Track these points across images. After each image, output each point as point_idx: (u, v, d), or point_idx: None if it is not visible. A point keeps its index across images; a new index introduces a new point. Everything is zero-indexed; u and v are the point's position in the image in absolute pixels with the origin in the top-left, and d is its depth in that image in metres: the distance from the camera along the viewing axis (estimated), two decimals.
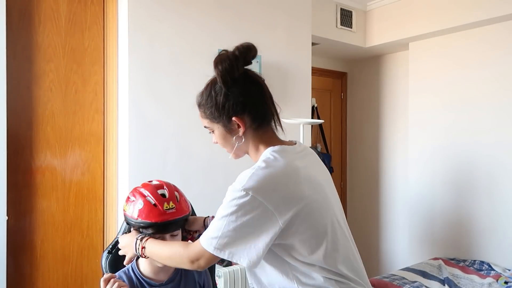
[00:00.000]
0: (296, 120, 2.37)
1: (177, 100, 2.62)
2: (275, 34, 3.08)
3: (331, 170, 3.89)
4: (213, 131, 1.23)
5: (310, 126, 3.41)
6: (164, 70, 2.56)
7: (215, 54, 2.91)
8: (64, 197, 2.37)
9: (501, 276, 2.93)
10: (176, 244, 1.20)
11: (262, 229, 1.05)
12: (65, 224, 2.37)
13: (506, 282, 2.81)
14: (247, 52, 1.13)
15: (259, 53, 3.35)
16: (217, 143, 1.25)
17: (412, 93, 3.87)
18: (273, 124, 1.21)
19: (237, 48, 1.13)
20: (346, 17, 3.81)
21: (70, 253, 2.39)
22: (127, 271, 1.34)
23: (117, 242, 1.41)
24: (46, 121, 2.31)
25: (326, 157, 3.86)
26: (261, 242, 1.05)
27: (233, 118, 1.15)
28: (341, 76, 4.63)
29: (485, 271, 3.08)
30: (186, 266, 1.14)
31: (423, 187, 3.76)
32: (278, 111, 1.23)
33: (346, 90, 4.68)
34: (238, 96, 1.14)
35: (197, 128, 2.70)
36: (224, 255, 1.07)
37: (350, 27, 3.85)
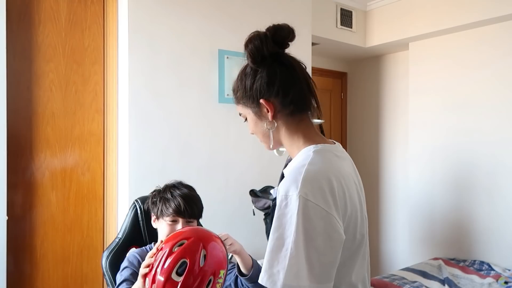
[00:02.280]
0: None
1: (177, 100, 2.61)
2: None
3: None
4: (246, 119, 1.14)
5: None
6: (164, 70, 2.56)
7: (215, 53, 2.91)
8: (64, 197, 2.37)
9: (501, 276, 2.92)
10: None
11: None
12: (65, 224, 2.37)
13: (506, 282, 2.81)
14: (277, 31, 1.07)
15: None
16: (252, 133, 1.15)
17: (412, 93, 3.87)
18: (310, 114, 1.12)
19: (268, 27, 1.08)
20: (346, 17, 3.81)
21: (70, 253, 2.39)
22: (145, 249, 1.44)
23: (118, 242, 1.44)
24: (46, 121, 2.31)
25: None
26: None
27: (261, 101, 1.06)
28: (341, 76, 4.63)
29: (485, 271, 3.07)
30: None
31: (423, 187, 3.76)
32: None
33: (346, 90, 4.68)
34: (265, 77, 1.07)
35: (197, 128, 2.70)
36: None
37: (350, 27, 3.84)
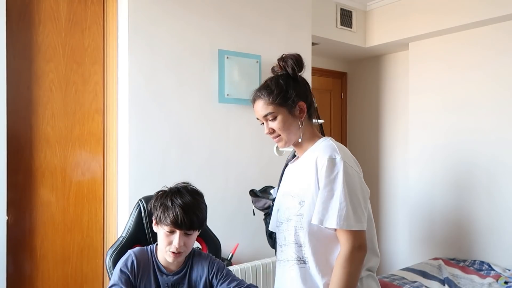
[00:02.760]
0: None
1: (177, 100, 2.61)
2: (275, 34, 3.07)
3: None
4: (274, 118, 1.39)
5: None
6: (164, 70, 2.56)
7: (215, 53, 2.91)
8: (64, 197, 2.37)
9: (501, 276, 2.92)
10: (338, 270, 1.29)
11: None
12: (65, 224, 2.37)
13: (506, 282, 2.81)
14: (300, 56, 1.44)
15: (258, 53, 3.35)
16: (270, 133, 1.42)
17: (412, 93, 3.87)
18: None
19: (296, 53, 1.44)
20: (346, 17, 3.81)
21: (70, 253, 2.39)
22: (146, 249, 1.44)
23: (122, 241, 1.46)
24: (46, 121, 2.31)
25: None
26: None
27: (299, 102, 1.39)
28: (341, 76, 4.63)
29: (485, 271, 3.07)
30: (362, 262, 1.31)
31: (423, 187, 3.76)
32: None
33: (346, 90, 4.68)
34: (302, 85, 1.43)
35: (197, 128, 2.70)
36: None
37: (350, 27, 3.84)
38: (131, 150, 2.43)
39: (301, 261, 1.33)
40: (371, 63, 4.46)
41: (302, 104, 1.40)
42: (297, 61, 1.41)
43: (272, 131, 1.41)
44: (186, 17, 2.64)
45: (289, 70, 1.40)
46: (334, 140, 1.42)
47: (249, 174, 2.90)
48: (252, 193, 2.56)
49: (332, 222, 1.26)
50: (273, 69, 1.47)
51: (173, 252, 1.35)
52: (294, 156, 2.37)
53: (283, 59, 1.43)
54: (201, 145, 2.71)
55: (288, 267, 1.37)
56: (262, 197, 2.50)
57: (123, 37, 2.45)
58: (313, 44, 3.55)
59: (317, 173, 1.31)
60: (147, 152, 2.49)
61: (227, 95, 2.75)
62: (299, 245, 1.33)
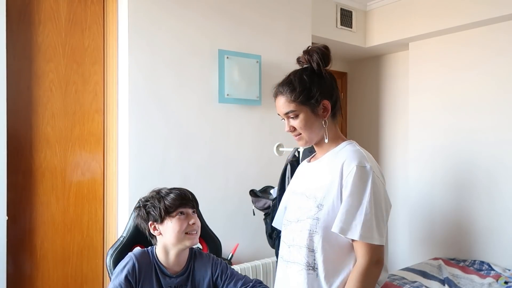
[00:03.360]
0: None
1: (177, 100, 2.61)
2: (275, 34, 3.07)
3: None
4: (295, 116, 1.31)
5: None
6: (164, 70, 2.56)
7: (215, 53, 2.90)
8: (64, 197, 2.37)
9: (501, 276, 2.92)
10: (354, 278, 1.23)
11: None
12: (65, 224, 2.37)
13: (506, 282, 2.81)
14: (329, 49, 1.34)
15: (258, 53, 3.34)
16: (291, 130, 1.35)
17: (412, 93, 3.87)
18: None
19: (322, 45, 1.33)
20: (346, 17, 3.81)
21: (70, 253, 2.39)
22: (147, 251, 1.42)
23: (122, 241, 1.45)
24: (46, 121, 2.31)
25: None
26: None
27: (323, 101, 1.31)
28: (341, 76, 4.63)
29: (485, 271, 3.07)
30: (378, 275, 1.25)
31: (423, 187, 3.76)
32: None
33: (346, 90, 4.68)
34: (328, 83, 1.33)
35: (197, 128, 2.70)
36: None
37: (350, 27, 3.84)
38: (131, 150, 2.43)
39: (311, 267, 1.26)
40: (371, 63, 4.46)
41: (326, 103, 1.31)
42: (323, 55, 1.31)
43: (293, 129, 1.34)
44: (186, 17, 2.64)
45: (314, 65, 1.31)
46: (358, 145, 1.35)
47: (249, 174, 2.90)
48: (252, 193, 2.57)
49: (354, 233, 1.19)
50: (298, 60, 1.38)
51: (191, 233, 1.38)
52: (294, 156, 2.37)
53: (308, 52, 1.33)
54: (201, 145, 2.71)
55: (295, 270, 1.30)
56: (262, 197, 2.51)
57: (123, 37, 2.45)
58: (313, 44, 3.55)
59: (342, 178, 1.24)
60: (147, 152, 2.49)
61: (227, 95, 2.75)
62: (311, 251, 1.26)
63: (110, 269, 1.48)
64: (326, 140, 1.33)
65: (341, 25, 3.77)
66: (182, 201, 1.39)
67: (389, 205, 1.29)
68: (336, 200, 1.24)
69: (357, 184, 1.21)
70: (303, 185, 1.39)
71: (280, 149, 2.48)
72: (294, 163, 2.29)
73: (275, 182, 2.41)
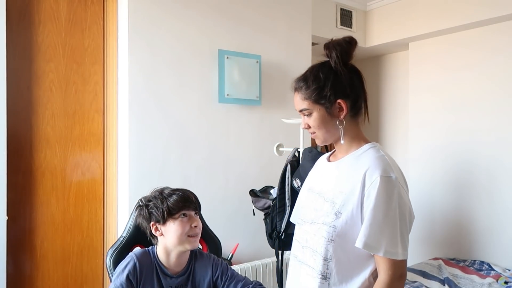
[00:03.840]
0: (296, 120, 2.37)
1: (177, 100, 2.61)
2: (275, 34, 3.07)
3: None
4: (309, 114, 1.25)
5: None
6: (164, 70, 2.56)
7: (215, 53, 2.89)
8: (64, 197, 2.37)
9: (501, 276, 2.92)
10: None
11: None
12: (65, 224, 2.37)
13: (506, 282, 2.81)
14: (353, 42, 1.26)
15: (258, 53, 3.33)
16: (307, 128, 1.28)
17: (412, 93, 3.87)
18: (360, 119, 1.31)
19: (345, 37, 1.26)
20: (346, 17, 3.81)
21: (70, 253, 2.39)
22: (148, 251, 1.42)
23: (122, 241, 1.44)
24: (46, 121, 2.31)
25: None
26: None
27: (338, 100, 1.22)
28: None
29: (485, 271, 3.07)
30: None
31: (423, 187, 3.76)
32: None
33: None
34: (346, 80, 1.24)
35: (197, 128, 2.70)
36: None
37: (350, 27, 3.84)
38: (131, 150, 2.43)
39: (323, 276, 1.21)
40: (371, 63, 4.46)
41: (342, 102, 1.22)
42: (342, 52, 1.23)
43: (308, 127, 1.28)
44: (186, 17, 2.64)
45: (332, 62, 1.24)
46: (382, 148, 1.26)
47: (249, 174, 2.90)
48: (252, 193, 2.56)
49: (379, 249, 1.12)
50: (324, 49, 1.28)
51: (192, 236, 1.37)
52: (294, 156, 2.37)
53: (328, 46, 1.25)
54: (201, 145, 2.71)
55: (308, 274, 1.25)
56: (262, 197, 2.50)
57: (123, 37, 2.45)
58: (313, 44, 3.55)
59: (364, 187, 1.15)
60: (147, 152, 2.49)
61: (227, 95, 2.75)
62: (325, 259, 1.20)
63: (110, 269, 1.48)
64: (342, 142, 1.25)
65: (341, 25, 3.77)
66: (186, 204, 1.38)
67: (413, 216, 1.21)
68: (355, 210, 1.16)
69: (382, 197, 1.13)
70: (320, 185, 1.33)
71: (280, 149, 2.48)
72: (294, 163, 2.29)
73: (275, 182, 2.41)
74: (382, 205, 1.13)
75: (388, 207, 1.12)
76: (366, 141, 1.28)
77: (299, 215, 1.39)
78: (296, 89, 1.28)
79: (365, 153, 1.23)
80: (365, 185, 1.15)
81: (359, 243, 1.13)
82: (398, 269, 1.14)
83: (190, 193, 1.43)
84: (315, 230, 1.24)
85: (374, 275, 1.18)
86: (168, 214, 1.36)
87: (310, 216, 1.29)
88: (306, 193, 1.40)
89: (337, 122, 1.24)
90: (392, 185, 1.14)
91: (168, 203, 1.36)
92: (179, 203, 1.37)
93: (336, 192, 1.22)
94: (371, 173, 1.15)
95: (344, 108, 1.23)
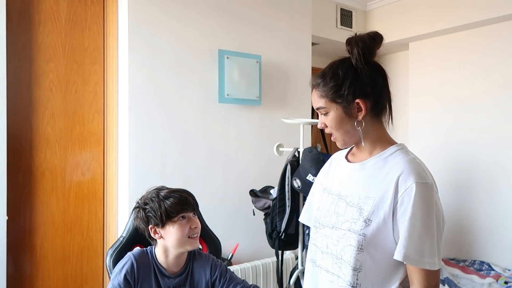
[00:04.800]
0: (296, 120, 2.37)
1: (177, 100, 2.61)
2: (275, 34, 3.07)
3: None
4: (326, 113, 1.18)
5: (310, 126, 3.40)
6: (164, 70, 2.56)
7: (215, 53, 2.89)
8: (64, 197, 2.37)
9: (501, 276, 2.92)
10: None
11: None
12: (65, 224, 2.37)
13: (506, 282, 2.81)
14: (378, 38, 1.16)
15: (258, 53, 3.33)
16: (323, 127, 1.21)
17: (412, 93, 3.87)
18: (383, 120, 1.24)
19: (369, 33, 1.16)
20: (346, 17, 3.81)
21: (70, 253, 2.39)
22: (146, 251, 1.41)
23: (122, 241, 1.43)
24: (46, 121, 2.31)
25: (326, 157, 3.85)
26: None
27: (357, 100, 1.14)
28: None
29: (485, 271, 3.07)
30: None
31: None
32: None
33: None
34: (367, 79, 1.16)
35: (197, 128, 2.70)
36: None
37: (350, 27, 3.84)
38: (131, 150, 2.43)
39: (353, 287, 1.14)
40: None
41: (361, 102, 1.14)
42: (365, 48, 1.15)
43: (325, 126, 1.20)
44: (186, 17, 2.64)
45: (353, 59, 1.15)
46: (409, 150, 1.19)
47: (249, 174, 2.90)
48: (252, 193, 2.57)
49: (420, 262, 1.06)
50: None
51: (193, 237, 1.37)
52: (294, 156, 2.37)
53: (350, 42, 1.17)
54: (201, 145, 2.71)
55: (335, 282, 1.18)
56: (262, 197, 2.51)
57: (123, 37, 2.45)
58: (313, 44, 3.55)
59: (397, 193, 1.08)
60: (147, 152, 2.49)
61: (227, 95, 2.75)
62: (355, 269, 1.12)
63: (110, 269, 1.49)
64: (363, 143, 1.18)
65: (341, 25, 3.77)
66: (184, 206, 1.37)
67: (445, 222, 1.14)
68: (387, 217, 1.09)
69: (420, 205, 1.05)
70: (339, 186, 1.24)
71: (280, 149, 2.48)
72: (294, 163, 2.29)
73: (275, 182, 2.41)
74: (420, 214, 1.06)
75: (426, 216, 1.06)
76: (392, 142, 1.22)
77: (314, 217, 1.30)
78: (313, 86, 1.21)
79: (392, 156, 1.16)
80: (398, 191, 1.08)
81: (398, 256, 1.06)
82: (433, 279, 1.08)
83: (187, 194, 1.42)
84: (339, 236, 1.16)
85: (404, 284, 1.12)
86: (167, 218, 1.35)
87: (330, 220, 1.21)
88: (320, 193, 1.32)
89: (355, 123, 1.16)
90: (429, 192, 1.07)
91: (166, 206, 1.35)
92: (177, 206, 1.35)
93: (363, 196, 1.14)
94: (405, 179, 1.08)
95: (363, 108, 1.14)
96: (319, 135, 4.10)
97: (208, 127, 2.74)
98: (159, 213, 1.34)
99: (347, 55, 1.18)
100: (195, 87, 2.69)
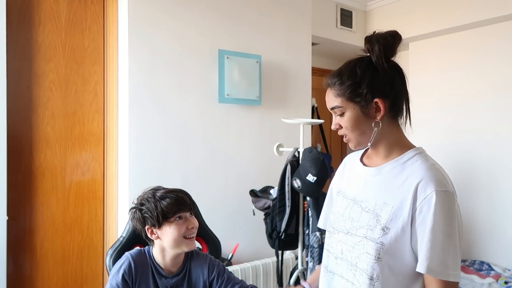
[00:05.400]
0: (296, 120, 2.37)
1: (177, 100, 2.62)
2: (275, 34, 3.08)
3: (331, 170, 3.90)
4: (342, 114, 1.13)
5: (310, 126, 3.40)
6: (164, 70, 2.56)
7: (215, 53, 2.90)
8: (64, 197, 2.37)
9: (501, 276, 2.93)
10: None
11: None
12: (65, 224, 2.37)
13: (506, 282, 2.81)
14: (398, 36, 1.15)
15: (258, 53, 3.34)
16: (338, 128, 1.16)
17: (412, 92, 3.85)
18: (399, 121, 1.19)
19: (389, 31, 1.14)
20: (346, 17, 3.81)
21: (70, 253, 2.39)
22: (143, 251, 1.41)
23: (122, 241, 1.43)
24: (46, 121, 2.31)
25: (326, 157, 3.85)
26: None
27: (376, 99, 1.10)
28: None
29: (485, 271, 3.08)
30: None
31: None
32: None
33: None
34: (387, 78, 1.12)
35: (197, 128, 2.70)
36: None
37: (350, 27, 3.84)
38: (131, 150, 2.43)
39: None
40: None
41: (380, 102, 1.10)
42: (387, 46, 1.12)
43: (340, 127, 1.15)
44: (186, 17, 2.64)
45: (373, 57, 1.12)
46: (427, 154, 1.15)
47: (249, 174, 2.90)
48: (252, 193, 2.57)
49: (444, 274, 1.02)
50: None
51: (189, 238, 1.36)
52: (294, 156, 2.37)
53: (370, 40, 1.12)
54: (201, 145, 2.71)
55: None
56: (262, 197, 2.51)
57: (123, 37, 2.45)
58: (313, 44, 3.55)
59: (416, 201, 1.04)
60: (147, 152, 2.49)
61: (227, 95, 2.75)
62: (371, 278, 1.09)
63: (109, 269, 1.49)
64: (369, 144, 1.14)
65: (341, 25, 3.77)
66: (180, 207, 1.36)
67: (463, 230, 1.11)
68: (406, 226, 1.05)
69: (441, 215, 1.01)
70: (354, 191, 1.20)
71: (280, 149, 2.48)
72: (294, 163, 2.29)
73: (275, 182, 2.41)
74: (443, 225, 1.01)
75: (449, 226, 1.02)
76: (410, 146, 1.16)
77: (329, 221, 1.27)
78: (329, 85, 1.16)
79: (411, 161, 1.11)
80: (416, 199, 1.04)
81: (421, 268, 1.02)
82: None
83: (183, 194, 1.41)
84: (354, 242, 1.13)
85: None
86: (163, 218, 1.35)
87: (344, 225, 1.18)
88: (335, 196, 1.29)
89: (373, 124, 1.11)
90: (450, 201, 1.03)
91: (162, 207, 1.34)
92: (174, 206, 1.35)
93: (380, 203, 1.10)
94: (424, 186, 1.03)
95: (382, 108, 1.10)
96: (319, 135, 4.10)
97: (208, 127, 2.74)
98: (155, 213, 1.34)
99: (363, 54, 1.15)
100: (195, 87, 2.69)
